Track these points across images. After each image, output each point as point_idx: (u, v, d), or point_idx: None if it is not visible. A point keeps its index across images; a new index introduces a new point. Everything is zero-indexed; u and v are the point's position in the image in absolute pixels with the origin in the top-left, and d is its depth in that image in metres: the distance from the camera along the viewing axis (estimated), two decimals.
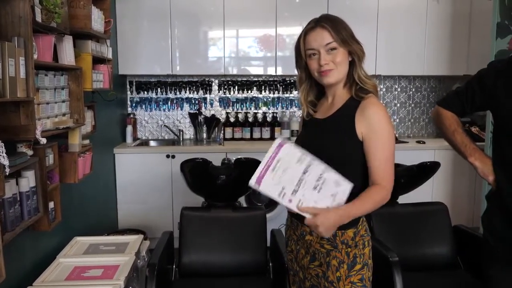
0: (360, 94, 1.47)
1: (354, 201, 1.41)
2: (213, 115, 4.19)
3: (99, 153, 3.09)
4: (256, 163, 2.66)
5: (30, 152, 1.86)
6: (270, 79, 4.22)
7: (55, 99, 2.08)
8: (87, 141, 2.51)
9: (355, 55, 1.47)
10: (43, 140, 1.82)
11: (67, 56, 2.14)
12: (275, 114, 4.22)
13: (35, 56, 1.81)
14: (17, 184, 1.77)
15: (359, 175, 1.49)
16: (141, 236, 2.48)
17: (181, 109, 4.23)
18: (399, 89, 4.41)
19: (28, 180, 1.82)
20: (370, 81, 1.49)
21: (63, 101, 2.17)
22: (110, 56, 2.82)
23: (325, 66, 1.45)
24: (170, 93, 4.19)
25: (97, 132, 2.86)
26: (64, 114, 2.19)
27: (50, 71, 2.03)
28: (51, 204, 2.07)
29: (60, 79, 2.13)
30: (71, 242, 2.37)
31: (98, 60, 2.67)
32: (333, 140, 1.47)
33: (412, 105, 4.44)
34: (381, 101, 4.38)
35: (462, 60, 3.99)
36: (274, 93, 4.26)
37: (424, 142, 3.95)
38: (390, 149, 1.44)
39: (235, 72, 3.96)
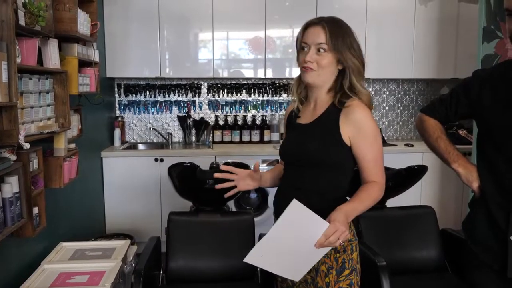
0: (343, 100, 1.47)
1: (355, 198, 1.42)
2: (202, 118, 4.18)
3: (86, 157, 3.06)
4: (245, 167, 2.68)
5: (13, 157, 1.83)
6: (260, 82, 4.22)
7: (40, 103, 2.05)
8: (73, 145, 2.48)
9: (347, 66, 1.45)
10: (26, 145, 1.79)
11: (52, 59, 2.11)
12: (264, 117, 4.22)
13: (19, 60, 1.78)
14: (0, 190, 1.73)
15: (347, 179, 1.50)
16: (128, 241, 2.46)
17: (170, 112, 4.20)
18: (387, 92, 4.44)
19: (12, 186, 1.79)
20: (365, 91, 1.49)
21: (48, 105, 2.15)
22: (97, 59, 2.79)
23: (308, 64, 1.44)
24: (159, 96, 4.17)
25: (84, 135, 2.83)
26: (49, 118, 2.16)
27: (35, 74, 2.00)
28: (36, 210, 2.04)
29: (45, 83, 2.11)
30: (56, 247, 2.34)
31: (84, 63, 2.65)
32: (318, 146, 1.47)
33: (401, 108, 4.47)
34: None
35: (450, 64, 4.03)
36: (263, 96, 4.25)
37: (412, 145, 3.98)
38: (379, 148, 1.46)
39: (224, 74, 3.95)
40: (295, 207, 1.32)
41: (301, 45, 1.48)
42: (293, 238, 1.36)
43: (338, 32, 1.44)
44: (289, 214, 1.32)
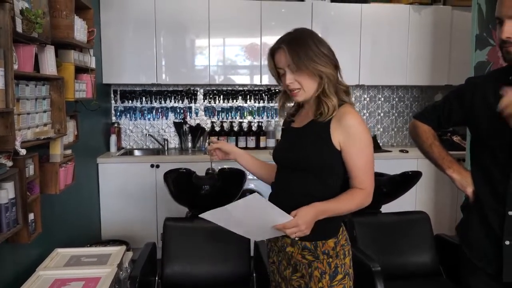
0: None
1: (335, 198, 1.45)
2: (198, 124, 4.19)
3: (82, 163, 3.06)
4: (241, 173, 2.69)
5: (9, 163, 1.83)
6: (255, 88, 4.24)
7: (36, 109, 2.06)
8: (69, 151, 2.48)
9: (324, 77, 1.44)
10: (23, 151, 1.80)
11: (49, 66, 2.12)
12: (260, 123, 4.23)
13: (16, 67, 1.79)
14: None
15: (338, 183, 1.51)
16: (123, 247, 2.45)
17: (166, 118, 4.22)
18: (382, 99, 4.47)
19: (7, 192, 1.79)
20: (334, 98, 1.47)
21: (45, 111, 2.15)
22: (93, 65, 2.80)
23: (291, 86, 1.47)
24: (155, 102, 4.18)
25: (80, 141, 2.83)
26: (45, 124, 2.17)
27: (31, 81, 2.01)
28: (31, 216, 2.04)
29: (42, 89, 2.12)
30: (51, 254, 2.33)
31: (81, 70, 2.65)
32: (309, 149, 1.48)
33: (396, 114, 4.50)
34: (365, 111, 4.44)
35: (444, 71, 4.07)
36: (259, 103, 4.28)
37: (407, 151, 4.00)
38: (368, 155, 1.47)
39: (220, 81, 3.97)
40: (255, 199, 1.37)
41: (278, 71, 1.51)
42: (250, 219, 1.45)
43: (297, 49, 1.42)
44: (247, 202, 1.38)
